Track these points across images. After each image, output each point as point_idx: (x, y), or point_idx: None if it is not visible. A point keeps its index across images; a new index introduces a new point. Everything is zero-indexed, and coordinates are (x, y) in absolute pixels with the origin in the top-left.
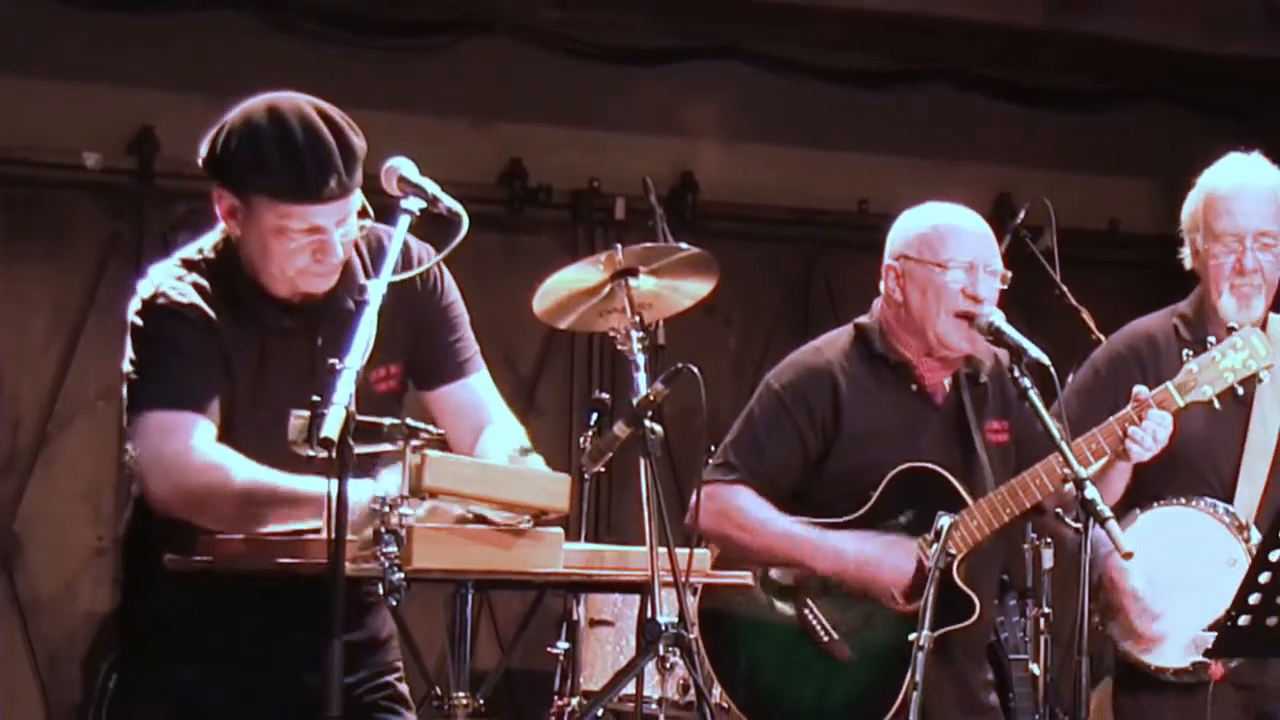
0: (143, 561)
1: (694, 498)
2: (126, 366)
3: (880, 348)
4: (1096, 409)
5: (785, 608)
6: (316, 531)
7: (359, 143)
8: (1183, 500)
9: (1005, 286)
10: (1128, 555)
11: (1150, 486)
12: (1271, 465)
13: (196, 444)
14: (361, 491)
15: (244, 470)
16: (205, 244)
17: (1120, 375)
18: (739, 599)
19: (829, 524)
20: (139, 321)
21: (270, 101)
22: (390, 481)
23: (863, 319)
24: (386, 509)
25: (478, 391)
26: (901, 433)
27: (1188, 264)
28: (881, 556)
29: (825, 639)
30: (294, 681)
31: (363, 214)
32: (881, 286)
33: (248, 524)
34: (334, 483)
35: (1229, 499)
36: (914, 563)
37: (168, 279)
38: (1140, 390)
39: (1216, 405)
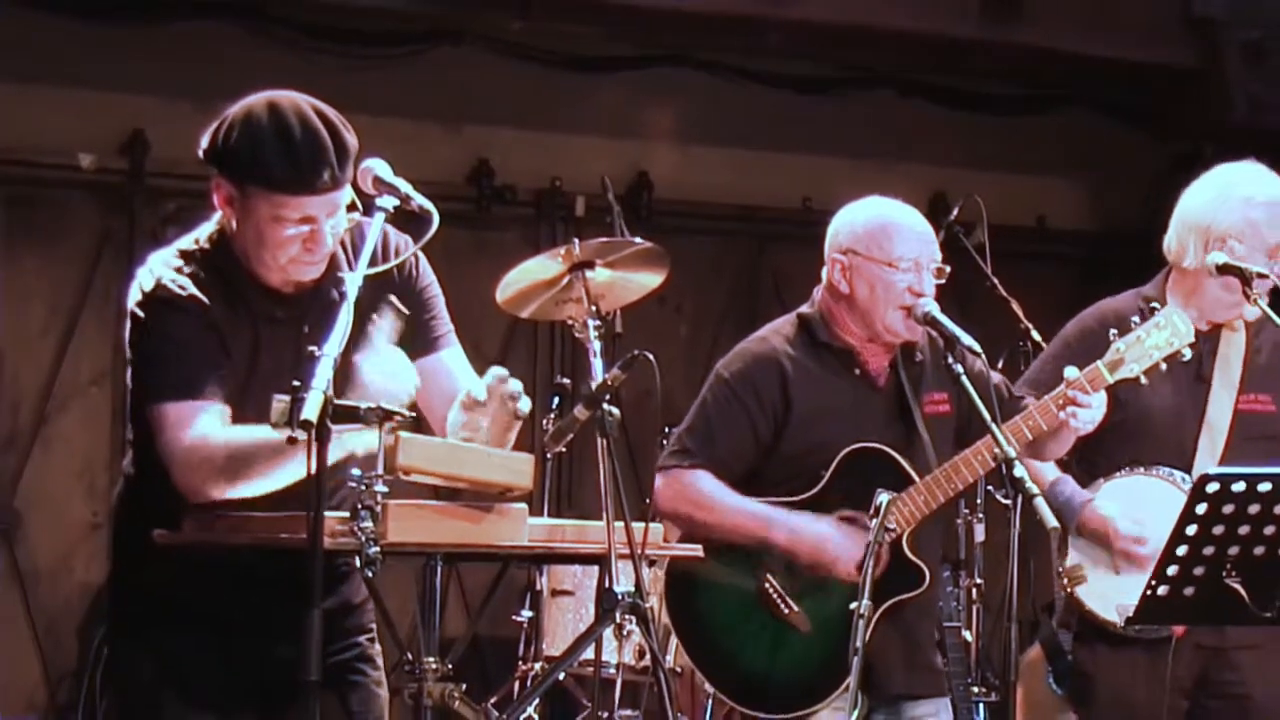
0: (132, 536)
1: (654, 484)
2: (130, 355)
3: (824, 335)
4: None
5: (746, 580)
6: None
7: (351, 140)
8: (1145, 470)
9: (942, 281)
10: (1053, 530)
11: (1117, 457)
12: (1226, 442)
13: (210, 429)
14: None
15: (249, 433)
16: (201, 235)
17: (1090, 346)
18: (703, 569)
19: (784, 503)
20: (141, 314)
21: (270, 98)
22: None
23: (805, 308)
24: (363, 487)
25: (451, 363)
26: (847, 414)
27: (1193, 260)
28: (834, 536)
29: (785, 611)
30: (274, 648)
31: (351, 207)
32: (824, 276)
33: (277, 476)
34: (313, 463)
35: (1189, 471)
36: (863, 544)
37: (167, 271)
38: (1070, 370)
39: (1143, 380)
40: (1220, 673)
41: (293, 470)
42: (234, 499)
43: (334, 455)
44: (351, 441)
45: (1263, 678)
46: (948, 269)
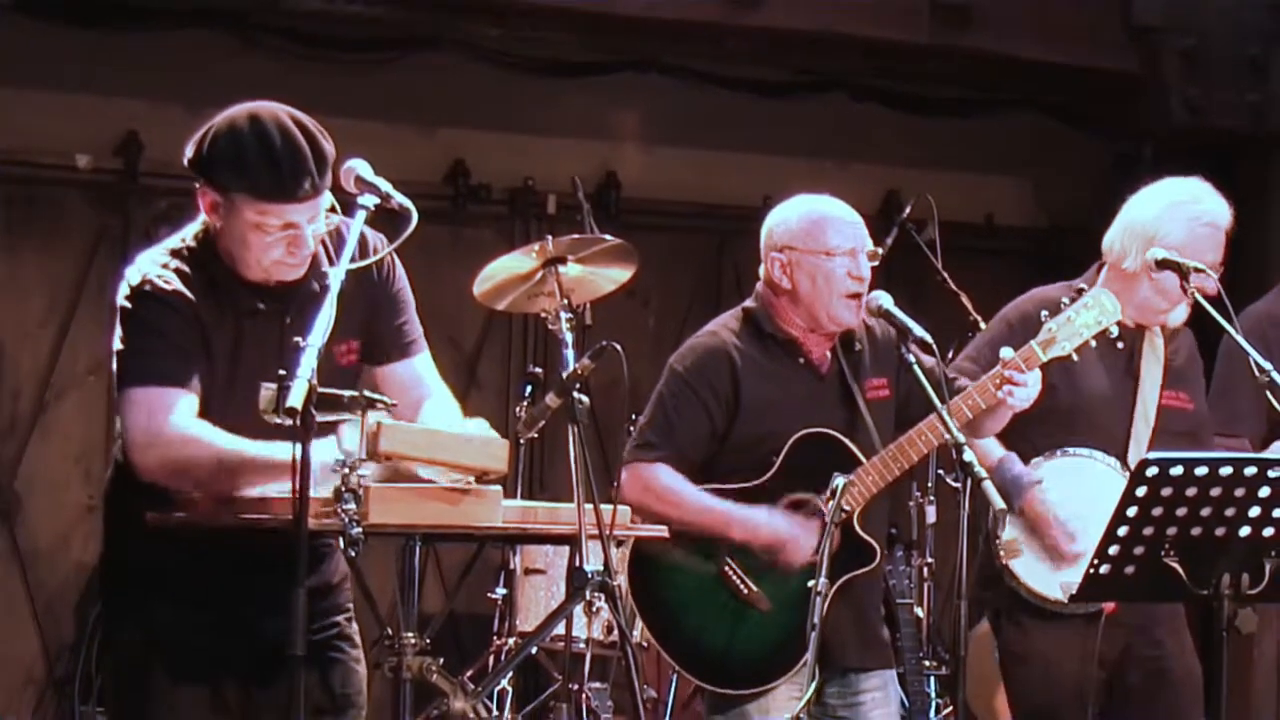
0: (124, 518)
1: (619, 477)
2: (116, 345)
3: (769, 328)
4: None
5: (708, 562)
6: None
7: (329, 149)
8: (1081, 451)
9: (876, 263)
10: (1002, 511)
11: (1054, 439)
12: (1153, 428)
13: (178, 418)
14: (325, 453)
15: (219, 440)
16: (187, 234)
17: (1027, 330)
18: (666, 552)
19: (741, 489)
20: (128, 306)
21: (252, 110)
22: (350, 439)
23: (749, 303)
24: (346, 470)
25: (420, 369)
26: (794, 401)
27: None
28: (789, 532)
29: (745, 592)
30: (259, 623)
31: (330, 210)
32: (762, 273)
33: (223, 488)
34: (298, 446)
35: (1123, 455)
36: (813, 534)
37: (154, 267)
38: (1005, 351)
39: (1074, 358)
40: (1143, 648)
41: (259, 488)
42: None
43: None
44: (349, 441)
45: (1182, 653)
46: (880, 252)
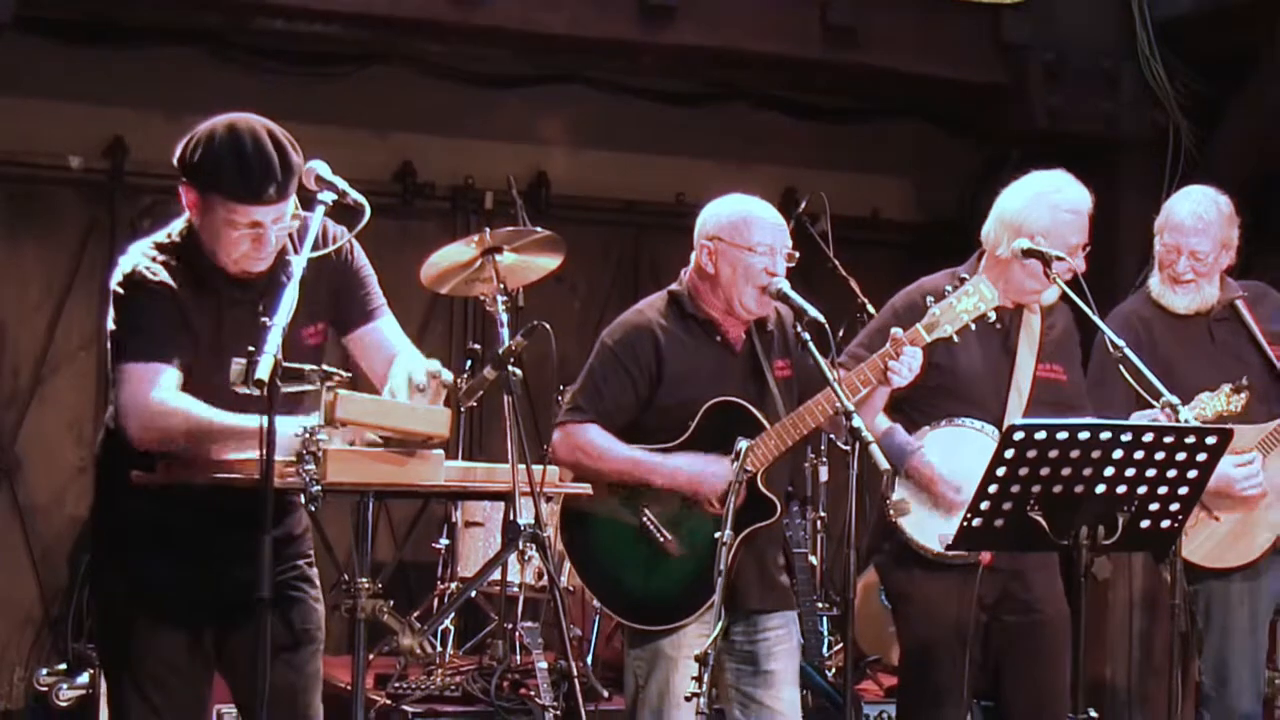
0: (111, 478)
1: (551, 439)
2: (110, 327)
3: (690, 309)
4: None
5: (627, 514)
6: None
7: (296, 159)
8: (963, 421)
9: (793, 264)
10: (886, 471)
11: (938, 411)
12: (1028, 399)
13: (161, 391)
14: (289, 427)
15: (195, 410)
16: (173, 229)
17: (914, 316)
18: (591, 506)
19: (661, 449)
20: (120, 292)
21: (230, 120)
22: (313, 419)
23: (674, 286)
24: (307, 436)
25: (385, 331)
26: (710, 374)
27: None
28: (705, 470)
29: (660, 539)
30: (231, 570)
31: (295, 213)
32: (693, 259)
33: (200, 452)
34: (264, 417)
35: (999, 423)
36: (727, 472)
37: (143, 259)
38: (895, 331)
39: (955, 339)
40: (1017, 592)
41: (233, 453)
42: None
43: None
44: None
45: (1051, 596)
46: (797, 254)
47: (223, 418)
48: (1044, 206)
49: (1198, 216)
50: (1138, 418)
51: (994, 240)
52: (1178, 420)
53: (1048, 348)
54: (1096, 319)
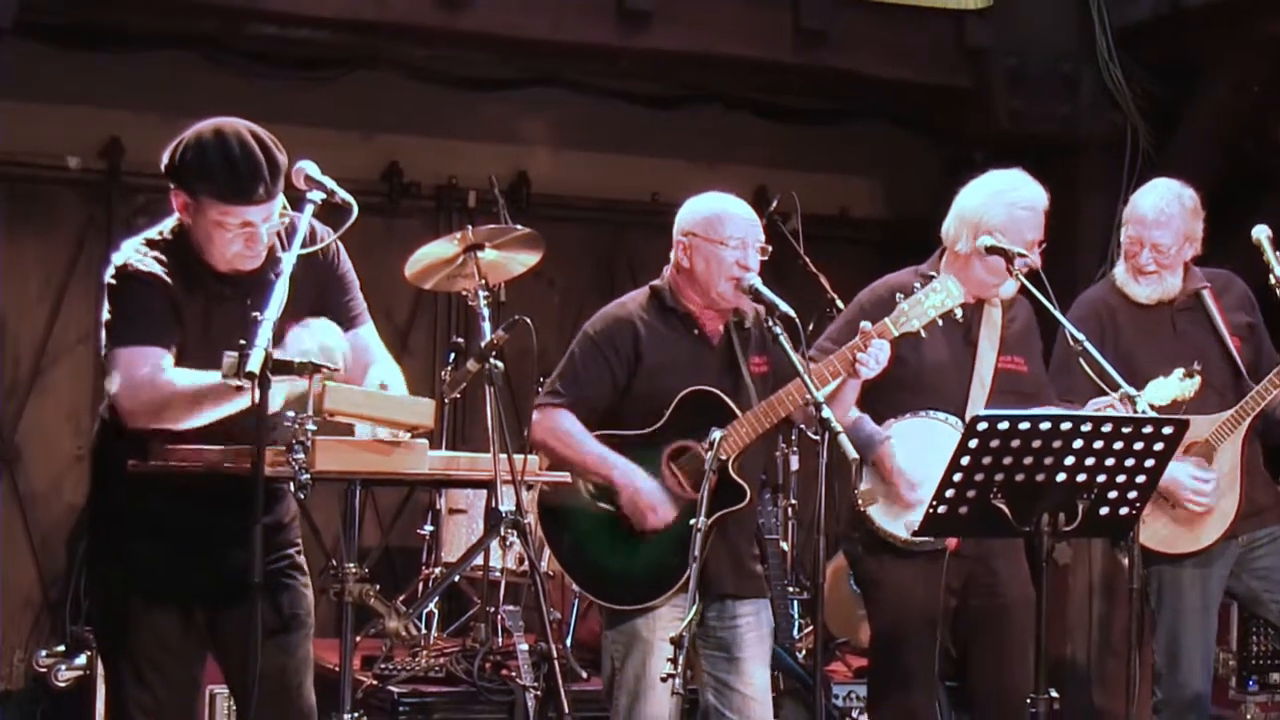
0: (106, 466)
1: (532, 417)
2: (104, 317)
3: (670, 302)
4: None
5: (604, 502)
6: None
7: (282, 159)
8: (925, 413)
9: (765, 258)
10: (854, 461)
11: (903, 403)
12: (990, 390)
13: (151, 369)
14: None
15: (179, 378)
16: (165, 227)
17: (881, 311)
18: (570, 494)
19: (637, 435)
20: (113, 284)
21: (216, 125)
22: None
23: (656, 281)
24: (295, 425)
25: (365, 339)
26: (687, 366)
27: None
28: (653, 498)
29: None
30: (223, 555)
31: (283, 211)
32: (672, 256)
33: (194, 414)
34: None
35: (962, 414)
36: (674, 513)
37: (135, 254)
38: (864, 325)
39: (923, 334)
40: (983, 576)
41: (224, 411)
42: (189, 432)
43: (273, 403)
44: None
45: (1016, 580)
46: (770, 249)
47: (212, 377)
48: (1001, 204)
49: (1160, 210)
50: (1092, 404)
51: (954, 236)
52: (1135, 411)
53: (1009, 340)
54: (1057, 313)
